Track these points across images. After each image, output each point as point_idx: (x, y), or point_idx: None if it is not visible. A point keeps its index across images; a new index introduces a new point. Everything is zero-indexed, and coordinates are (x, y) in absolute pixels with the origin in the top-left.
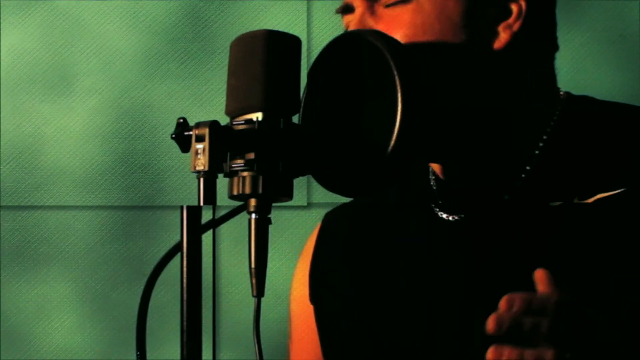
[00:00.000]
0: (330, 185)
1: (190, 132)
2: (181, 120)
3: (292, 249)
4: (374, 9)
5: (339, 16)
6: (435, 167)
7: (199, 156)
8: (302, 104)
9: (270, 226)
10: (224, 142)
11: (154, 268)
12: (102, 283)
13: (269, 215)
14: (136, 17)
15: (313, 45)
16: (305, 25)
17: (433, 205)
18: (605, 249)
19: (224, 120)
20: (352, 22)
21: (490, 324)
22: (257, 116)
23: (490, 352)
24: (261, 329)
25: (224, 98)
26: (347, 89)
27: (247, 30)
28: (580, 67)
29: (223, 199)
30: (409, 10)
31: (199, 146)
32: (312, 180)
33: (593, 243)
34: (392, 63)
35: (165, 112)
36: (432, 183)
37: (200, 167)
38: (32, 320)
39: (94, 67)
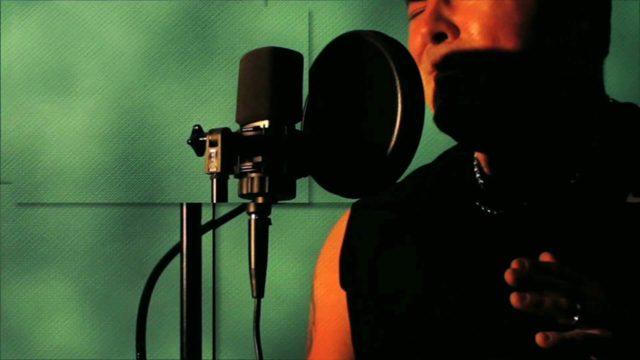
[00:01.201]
0: (330, 186)
1: (205, 138)
2: (196, 128)
3: (292, 249)
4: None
5: (339, 16)
6: (481, 159)
7: (212, 159)
8: (304, 111)
9: (270, 227)
10: (235, 146)
11: (154, 268)
12: (102, 283)
13: (269, 216)
14: (136, 17)
15: (314, 45)
16: (306, 25)
17: (477, 203)
18: None
19: (224, 120)
20: (425, 12)
21: (508, 276)
22: (264, 124)
23: (513, 297)
24: (261, 329)
25: (224, 98)
26: (347, 89)
27: (247, 30)
28: None
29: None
30: (489, 1)
31: (212, 150)
32: (313, 180)
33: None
34: (392, 63)
35: (165, 112)
36: (477, 176)
37: (213, 169)
38: (32, 320)
39: (94, 67)
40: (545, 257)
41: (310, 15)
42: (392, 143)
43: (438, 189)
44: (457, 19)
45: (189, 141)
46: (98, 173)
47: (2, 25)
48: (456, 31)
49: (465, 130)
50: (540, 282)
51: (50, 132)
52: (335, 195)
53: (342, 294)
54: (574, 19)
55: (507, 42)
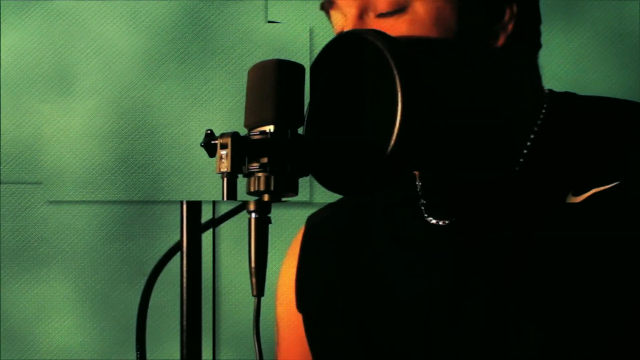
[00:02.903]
0: (330, 185)
1: (216, 141)
2: (209, 132)
3: None
4: (364, 18)
5: None
6: (416, 173)
7: (222, 160)
8: (306, 116)
9: (270, 226)
10: (243, 149)
11: (154, 268)
12: (102, 283)
13: (269, 215)
14: (136, 17)
15: (314, 45)
16: (305, 25)
17: (423, 210)
18: (600, 245)
19: (224, 120)
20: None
21: None
22: (270, 128)
23: None
24: (261, 328)
25: (224, 98)
26: (347, 88)
27: (247, 30)
28: (580, 67)
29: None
30: (405, 20)
31: (223, 152)
32: (314, 179)
33: (586, 241)
34: (392, 62)
35: (165, 112)
36: (417, 183)
37: (224, 169)
38: (32, 320)
39: (94, 67)
40: None
41: (309, 15)
42: (392, 142)
43: (387, 195)
44: None
45: (202, 144)
46: (98, 173)
47: (2, 25)
48: None
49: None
50: None
51: (50, 132)
52: (335, 194)
53: (300, 315)
54: (498, 21)
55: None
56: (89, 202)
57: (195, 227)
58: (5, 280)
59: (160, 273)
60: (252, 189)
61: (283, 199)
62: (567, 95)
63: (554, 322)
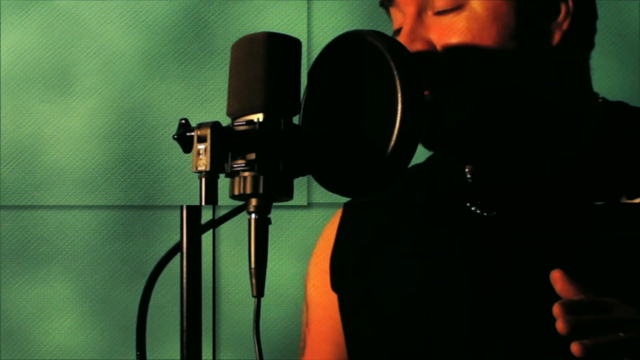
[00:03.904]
0: (330, 185)
1: (192, 133)
2: (183, 121)
3: (292, 249)
4: (422, 16)
5: (339, 16)
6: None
7: (200, 156)
8: (303, 105)
9: (270, 226)
10: (226, 142)
11: (154, 268)
12: (102, 283)
13: (269, 216)
14: (136, 17)
15: (313, 45)
16: (305, 25)
17: (468, 204)
18: None
19: (224, 121)
20: (402, 31)
21: (561, 326)
22: (258, 117)
23: (575, 347)
24: (261, 329)
25: (224, 98)
26: (347, 89)
27: (247, 30)
28: None
29: (223, 199)
30: (463, 17)
31: (201, 147)
32: (313, 180)
33: (633, 243)
34: (392, 63)
35: (165, 112)
36: (468, 177)
37: (202, 167)
38: (32, 320)
39: (94, 67)
40: (556, 274)
41: (310, 15)
42: (392, 142)
43: (429, 189)
44: (432, 36)
45: (175, 136)
46: (98, 173)
47: (2, 25)
48: (433, 49)
49: (452, 147)
50: (586, 323)
51: (50, 132)
52: (334, 196)
53: (334, 295)
54: (554, 18)
55: (486, 56)
56: (89, 206)
57: (195, 228)
58: (5, 280)
59: (161, 273)
60: (236, 192)
61: (275, 204)
62: (621, 104)
63: None
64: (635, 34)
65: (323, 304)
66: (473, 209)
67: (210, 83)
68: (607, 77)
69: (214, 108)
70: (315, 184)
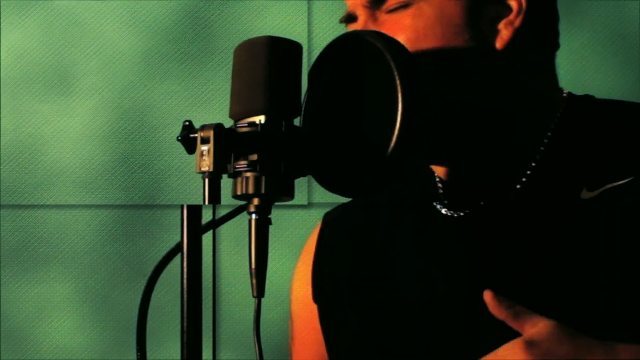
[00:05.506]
0: (330, 185)
1: (196, 135)
2: (187, 123)
3: (292, 249)
4: (375, 15)
5: (339, 16)
6: (437, 169)
7: (204, 157)
8: (303, 105)
9: (270, 226)
10: (228, 143)
11: (154, 268)
12: (102, 283)
13: (269, 216)
14: (136, 17)
15: (313, 46)
16: (305, 25)
17: (435, 204)
18: (613, 240)
19: (224, 120)
20: (356, 26)
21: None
22: (260, 119)
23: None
24: (261, 329)
25: (224, 98)
26: (347, 89)
27: (247, 30)
28: (580, 67)
29: (224, 199)
30: (410, 14)
31: (204, 148)
32: (313, 180)
33: (599, 236)
34: (392, 63)
35: (165, 112)
36: (437, 180)
37: (205, 168)
38: (32, 320)
39: (94, 67)
40: (487, 297)
41: (310, 15)
42: (393, 143)
43: (401, 193)
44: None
45: (179, 138)
46: (98, 173)
47: (2, 25)
48: None
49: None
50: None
51: (50, 132)
52: (335, 196)
53: (316, 308)
54: (505, 16)
55: (429, 53)
56: (89, 206)
57: (196, 229)
58: (5, 280)
59: (161, 273)
60: (239, 192)
61: (277, 204)
62: (586, 98)
63: (568, 317)
64: (635, 34)
65: (306, 317)
66: (443, 211)
67: (210, 83)
68: (607, 77)
69: (214, 108)
70: (315, 183)
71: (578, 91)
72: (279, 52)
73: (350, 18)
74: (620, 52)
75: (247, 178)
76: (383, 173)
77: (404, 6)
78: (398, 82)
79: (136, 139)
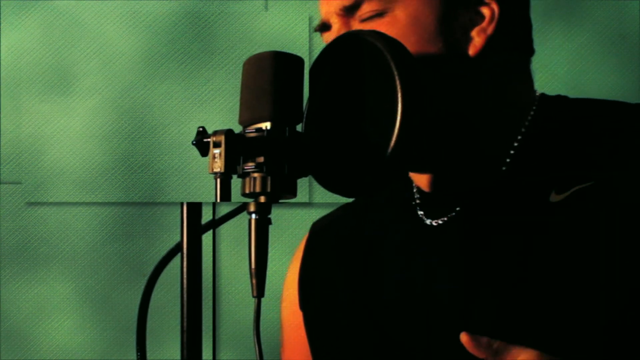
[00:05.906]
0: (330, 185)
1: (209, 139)
2: (201, 129)
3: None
4: (350, 24)
5: None
6: (419, 179)
7: (216, 160)
8: (305, 108)
9: (270, 227)
10: (238, 147)
11: (154, 268)
12: (102, 283)
13: (269, 216)
14: (136, 17)
15: (314, 46)
16: (306, 25)
17: (419, 211)
18: (582, 243)
19: (224, 119)
20: (330, 39)
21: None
22: (266, 125)
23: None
24: (261, 329)
25: (224, 98)
26: (347, 89)
27: (247, 31)
28: (580, 67)
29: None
30: (384, 22)
31: (216, 151)
32: (314, 180)
33: (568, 240)
34: (392, 63)
35: (165, 112)
36: (414, 190)
37: (217, 169)
38: (32, 320)
39: (94, 67)
40: (463, 339)
41: (310, 15)
42: (392, 143)
43: (385, 202)
44: None
45: (194, 142)
46: (98, 173)
47: (2, 25)
48: None
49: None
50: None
51: (50, 132)
52: (335, 195)
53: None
54: (478, 23)
55: None
56: (89, 203)
57: (196, 229)
58: (5, 280)
59: (161, 273)
60: (247, 191)
61: (280, 201)
62: (558, 99)
63: (543, 317)
64: (635, 34)
65: (295, 325)
66: (424, 220)
67: (210, 83)
68: (607, 77)
69: (214, 108)
70: (316, 183)
71: (578, 92)
72: (283, 65)
73: (324, 27)
74: (620, 52)
75: (254, 178)
76: (383, 173)
77: (379, 15)
78: (398, 82)
79: (136, 139)
